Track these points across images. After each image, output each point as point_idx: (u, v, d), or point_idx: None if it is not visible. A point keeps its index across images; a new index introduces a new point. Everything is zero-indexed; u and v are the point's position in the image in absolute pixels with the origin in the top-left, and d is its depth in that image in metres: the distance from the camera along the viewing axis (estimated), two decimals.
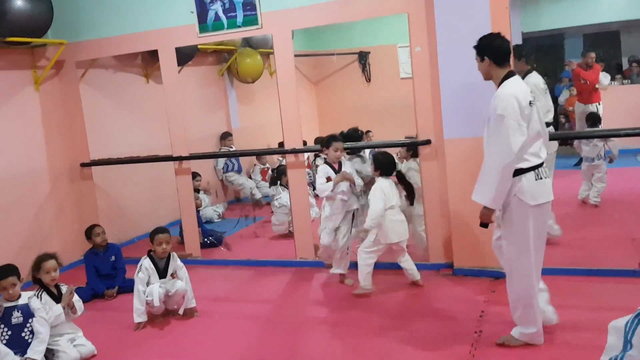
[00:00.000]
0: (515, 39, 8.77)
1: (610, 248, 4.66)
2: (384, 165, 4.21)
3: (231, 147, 7.86)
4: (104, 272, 4.77)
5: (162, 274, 4.13)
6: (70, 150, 5.74)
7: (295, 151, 4.93)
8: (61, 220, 5.67)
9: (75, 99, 5.66)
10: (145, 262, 4.10)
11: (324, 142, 4.38)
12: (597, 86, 8.02)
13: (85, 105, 5.69)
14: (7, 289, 3.44)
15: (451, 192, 4.38)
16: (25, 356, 3.37)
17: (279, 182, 6.29)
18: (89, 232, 4.84)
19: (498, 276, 4.22)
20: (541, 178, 2.98)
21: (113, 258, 4.84)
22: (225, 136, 7.88)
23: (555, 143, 4.98)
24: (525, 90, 2.97)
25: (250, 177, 8.28)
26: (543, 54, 11.79)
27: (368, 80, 10.67)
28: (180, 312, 4.14)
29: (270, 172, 7.66)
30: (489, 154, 2.97)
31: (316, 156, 8.71)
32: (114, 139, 6.18)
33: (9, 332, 3.41)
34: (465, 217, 4.30)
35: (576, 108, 8.35)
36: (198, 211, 6.11)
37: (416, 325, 3.67)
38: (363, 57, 10.62)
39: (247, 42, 7.98)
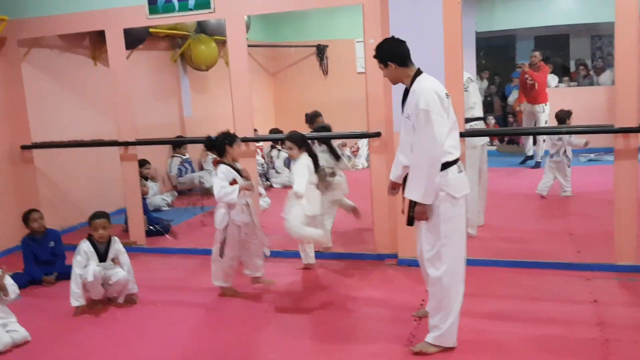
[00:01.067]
0: (469, 38, 9.04)
1: (548, 241, 4.89)
2: (304, 142, 4.37)
3: (184, 155, 7.79)
4: (42, 259, 4.64)
5: (102, 257, 4.05)
6: (10, 132, 5.53)
7: (245, 140, 4.90)
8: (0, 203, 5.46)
9: (16, 79, 5.46)
10: (84, 245, 4.01)
11: (228, 138, 4.08)
12: (546, 88, 8.34)
13: (27, 86, 5.50)
14: None
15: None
16: None
17: None
18: (26, 218, 4.69)
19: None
20: (461, 171, 3.07)
21: (52, 244, 4.70)
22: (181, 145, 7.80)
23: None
24: (440, 84, 3.05)
25: (202, 168, 8.22)
26: (495, 54, 12.16)
27: (325, 73, 10.73)
28: (121, 300, 4.08)
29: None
30: (417, 149, 2.97)
31: (272, 147, 8.73)
32: (58, 122, 6.00)
33: None
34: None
35: (523, 108, 8.65)
36: (145, 198, 6.04)
37: (359, 311, 3.76)
38: (321, 51, 10.67)
39: (202, 29, 7.87)
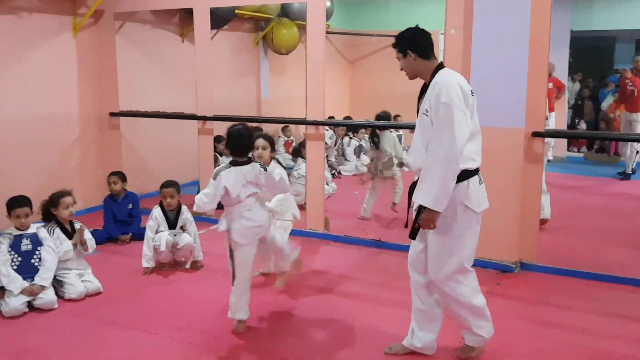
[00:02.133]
0: (562, 36, 8.66)
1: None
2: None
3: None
4: (120, 218, 5.04)
5: (171, 224, 4.36)
6: (101, 98, 6.00)
7: (316, 123, 5.03)
8: (85, 165, 5.95)
9: (110, 50, 5.89)
10: (156, 211, 4.33)
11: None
12: None
13: (119, 57, 5.92)
14: (20, 217, 3.72)
15: None
16: (33, 282, 3.64)
17: (300, 154, 6.45)
18: (108, 179, 5.12)
19: (504, 269, 4.31)
20: (481, 183, 2.80)
21: (130, 206, 5.09)
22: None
23: None
24: (464, 79, 2.78)
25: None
26: (591, 55, 11.54)
27: None
28: (187, 265, 4.35)
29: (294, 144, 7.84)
30: (433, 149, 2.64)
31: (345, 135, 8.82)
32: (143, 93, 6.41)
33: (19, 259, 3.69)
34: None
35: (620, 115, 8.24)
36: None
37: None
38: None
39: (285, 13, 8.08)
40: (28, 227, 3.76)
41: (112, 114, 5.98)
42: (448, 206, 2.65)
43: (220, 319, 3.47)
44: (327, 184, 6.46)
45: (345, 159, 8.54)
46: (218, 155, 6.72)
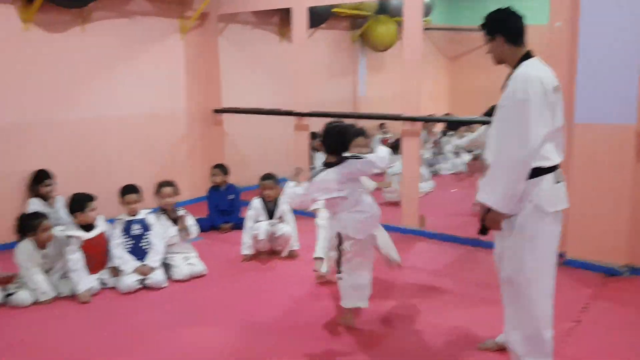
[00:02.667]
0: None
1: None
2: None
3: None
4: (222, 208, 5.38)
5: (270, 215, 4.57)
6: (205, 96, 6.40)
7: (411, 119, 5.04)
8: (192, 158, 6.38)
9: (214, 50, 6.27)
10: (256, 202, 4.58)
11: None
12: None
13: (222, 57, 6.28)
14: (130, 203, 4.09)
15: (573, 179, 4.23)
16: (144, 262, 4.00)
17: (397, 151, 6.46)
18: (211, 171, 5.51)
19: (611, 273, 4.09)
20: (559, 182, 2.58)
21: (231, 197, 5.41)
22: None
23: None
24: (550, 73, 2.56)
25: None
26: None
27: None
28: (284, 254, 4.55)
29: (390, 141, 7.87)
30: (502, 146, 2.52)
31: (443, 134, 8.70)
32: (243, 90, 6.73)
33: (132, 242, 4.07)
34: (584, 208, 4.16)
35: None
36: (311, 167, 6.52)
37: None
38: None
39: (383, 9, 8.11)
40: (138, 213, 4.13)
41: (216, 111, 6.36)
42: (518, 205, 2.54)
43: (315, 307, 3.61)
44: (424, 182, 6.41)
45: (444, 157, 8.42)
46: (314, 151, 6.92)
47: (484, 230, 2.68)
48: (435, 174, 7.73)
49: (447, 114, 9.47)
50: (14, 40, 4.77)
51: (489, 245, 4.67)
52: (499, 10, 2.68)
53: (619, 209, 4.07)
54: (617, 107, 4.01)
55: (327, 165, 3.18)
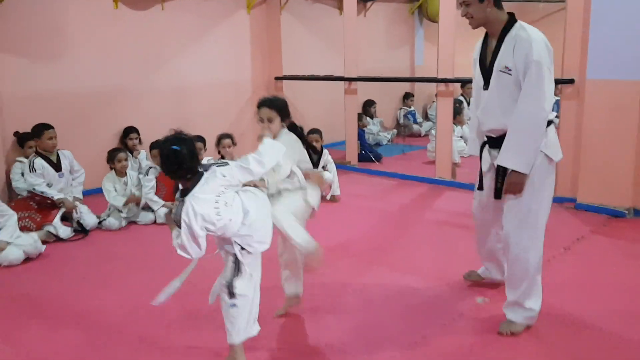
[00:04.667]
0: None
1: None
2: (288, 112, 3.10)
3: (410, 107, 9.04)
4: None
5: (315, 164, 5.43)
6: (268, 65, 7.36)
7: (445, 80, 5.72)
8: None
9: (276, 24, 7.20)
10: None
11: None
12: None
13: (283, 30, 7.19)
14: (200, 150, 5.08)
15: (585, 132, 4.80)
16: None
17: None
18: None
19: (616, 214, 4.63)
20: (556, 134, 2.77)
21: None
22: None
23: None
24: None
25: (427, 115, 9.34)
26: None
27: None
28: (327, 197, 5.42)
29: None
30: (524, 109, 2.59)
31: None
32: (302, 60, 7.62)
33: None
34: (594, 157, 4.74)
35: None
36: (363, 130, 7.37)
37: None
38: None
39: None
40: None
41: (277, 78, 7.31)
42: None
43: (360, 241, 4.47)
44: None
45: None
46: (367, 117, 7.79)
47: (499, 193, 2.80)
48: None
49: None
50: (107, 18, 5.91)
51: None
52: None
53: (625, 156, 4.59)
54: (628, 64, 4.48)
55: (184, 193, 2.40)
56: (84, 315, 3.18)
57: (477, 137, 3.02)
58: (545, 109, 2.57)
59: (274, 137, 2.83)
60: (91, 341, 2.91)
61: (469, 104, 8.81)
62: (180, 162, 2.35)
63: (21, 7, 5.30)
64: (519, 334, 2.82)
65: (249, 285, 2.53)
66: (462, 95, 8.89)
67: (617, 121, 4.60)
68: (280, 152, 2.63)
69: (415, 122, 9.05)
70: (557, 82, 4.96)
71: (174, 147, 2.36)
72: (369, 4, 8.43)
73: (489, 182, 2.97)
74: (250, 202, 2.49)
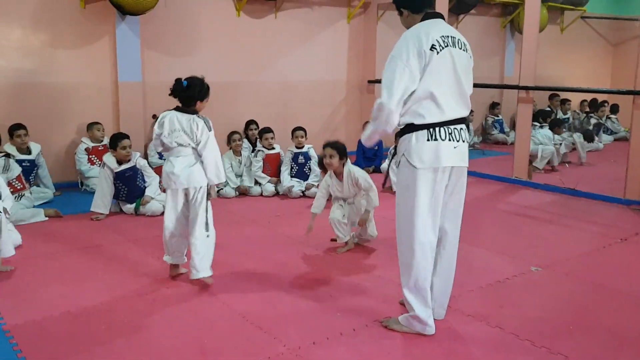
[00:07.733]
0: None
1: None
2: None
3: (498, 116, 9.61)
4: (367, 156, 7.21)
5: None
6: (362, 69, 8.35)
7: (526, 88, 6.41)
8: (348, 119, 8.38)
9: (372, 32, 8.18)
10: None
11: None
12: None
13: (378, 38, 8.13)
14: (298, 138, 6.08)
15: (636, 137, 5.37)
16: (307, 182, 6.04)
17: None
18: (363, 127, 7.36)
19: None
20: (436, 139, 2.66)
21: (376, 147, 7.22)
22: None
23: None
24: (436, 34, 2.66)
25: (514, 125, 9.93)
26: None
27: None
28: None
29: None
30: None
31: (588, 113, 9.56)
32: None
33: (297, 167, 6.10)
34: None
35: None
36: None
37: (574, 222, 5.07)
38: None
39: None
40: (303, 147, 6.16)
41: (370, 82, 8.27)
42: (398, 156, 2.82)
43: None
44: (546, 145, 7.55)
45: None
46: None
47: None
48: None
49: (604, 101, 10.24)
50: (230, 24, 7.15)
51: (581, 194, 5.91)
52: None
53: None
54: None
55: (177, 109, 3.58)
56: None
57: None
58: (385, 99, 2.64)
59: (334, 170, 4.18)
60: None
61: (556, 114, 9.35)
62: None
63: (166, 14, 6.62)
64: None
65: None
66: (549, 106, 9.46)
67: None
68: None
69: (502, 131, 9.69)
70: (630, 93, 5.60)
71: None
72: (460, 16, 9.19)
73: None
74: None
